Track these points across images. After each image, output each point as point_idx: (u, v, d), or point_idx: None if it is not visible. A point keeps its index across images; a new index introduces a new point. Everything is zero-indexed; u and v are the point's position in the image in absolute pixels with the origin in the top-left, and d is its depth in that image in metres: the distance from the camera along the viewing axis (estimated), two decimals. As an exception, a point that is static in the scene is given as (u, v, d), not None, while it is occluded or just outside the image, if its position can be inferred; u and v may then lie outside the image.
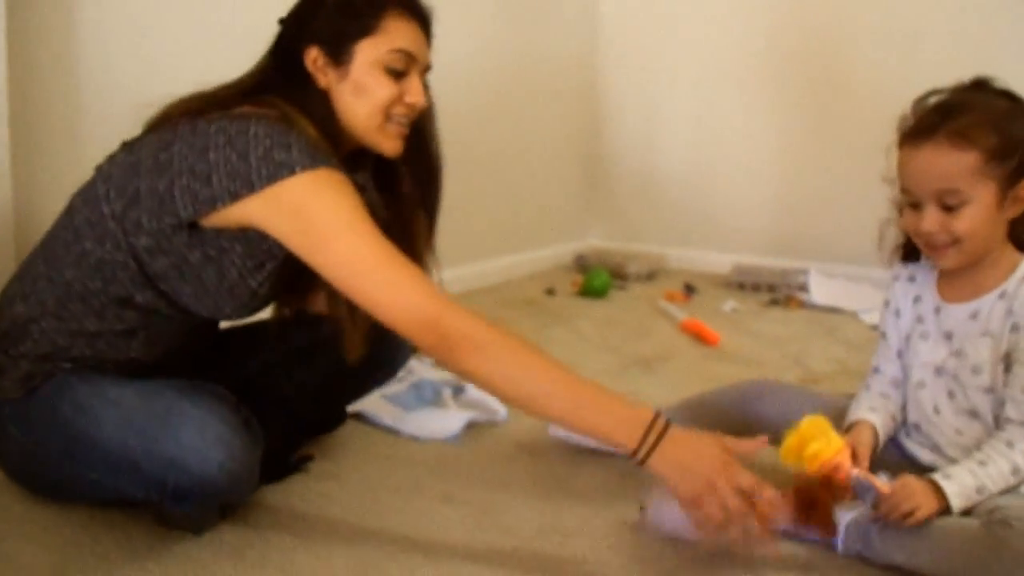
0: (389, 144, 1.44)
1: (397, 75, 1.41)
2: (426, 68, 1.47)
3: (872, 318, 2.95)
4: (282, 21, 1.45)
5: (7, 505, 1.42)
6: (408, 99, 1.42)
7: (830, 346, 2.65)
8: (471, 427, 1.86)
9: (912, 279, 1.51)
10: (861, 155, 3.43)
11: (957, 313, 1.42)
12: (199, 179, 1.28)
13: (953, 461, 1.38)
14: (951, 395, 1.42)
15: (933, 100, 1.39)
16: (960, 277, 1.42)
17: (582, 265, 3.65)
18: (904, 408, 1.51)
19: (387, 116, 1.41)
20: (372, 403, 1.91)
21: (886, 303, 1.55)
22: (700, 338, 2.67)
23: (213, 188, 1.27)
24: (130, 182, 1.33)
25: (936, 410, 1.44)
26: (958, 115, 1.33)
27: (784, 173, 3.64)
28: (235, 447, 1.27)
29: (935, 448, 1.44)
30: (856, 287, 3.26)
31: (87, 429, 1.30)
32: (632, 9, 3.86)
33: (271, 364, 1.66)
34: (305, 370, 1.66)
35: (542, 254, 3.70)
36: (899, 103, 3.43)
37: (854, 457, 1.38)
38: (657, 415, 1.25)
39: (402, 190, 1.53)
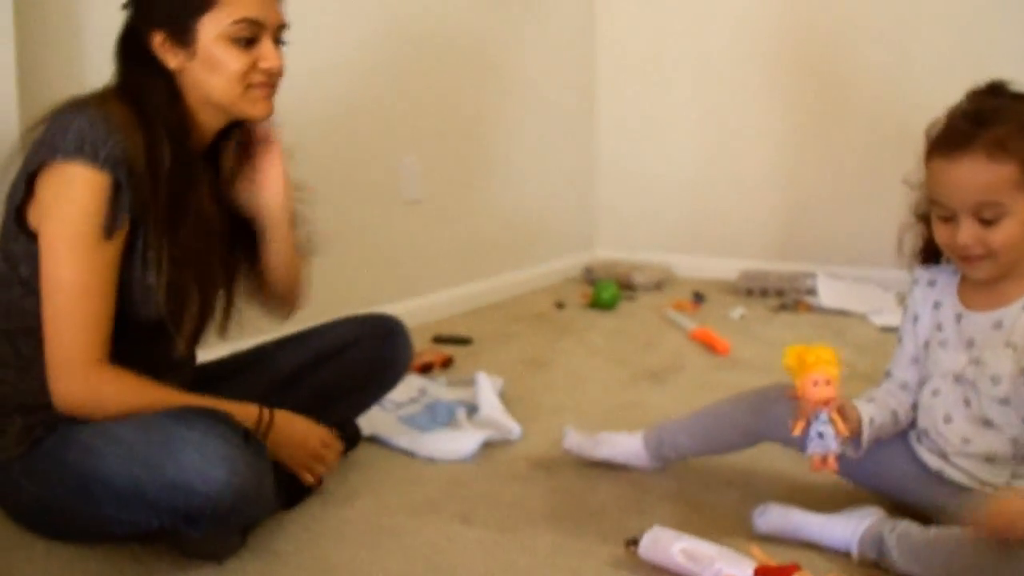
0: (256, 108, 1.43)
1: (247, 43, 1.39)
2: (280, 27, 1.44)
3: (881, 320, 2.97)
4: (124, 6, 1.43)
5: (30, 543, 1.44)
6: (263, 64, 1.40)
7: (839, 349, 2.64)
8: (486, 446, 1.88)
9: (932, 283, 1.48)
10: (864, 156, 3.47)
11: (980, 321, 1.40)
12: (15, 184, 1.34)
13: (959, 469, 1.39)
14: (967, 403, 1.40)
15: (966, 109, 1.34)
16: (984, 284, 1.39)
17: (590, 277, 3.67)
18: (914, 410, 1.49)
19: (246, 84, 1.40)
20: (387, 425, 1.93)
21: (905, 308, 1.52)
22: (710, 347, 2.68)
23: (24, 180, 1.33)
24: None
25: (947, 418, 1.42)
26: (992, 125, 1.29)
27: (788, 177, 3.65)
28: (237, 463, 1.28)
29: (942, 455, 1.44)
30: (864, 289, 3.27)
31: (95, 468, 1.31)
32: (630, 18, 3.88)
33: (278, 382, 1.68)
34: (310, 381, 1.69)
35: (550, 267, 3.72)
36: (901, 105, 3.49)
37: (840, 409, 1.36)
38: (262, 409, 1.45)
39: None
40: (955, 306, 1.43)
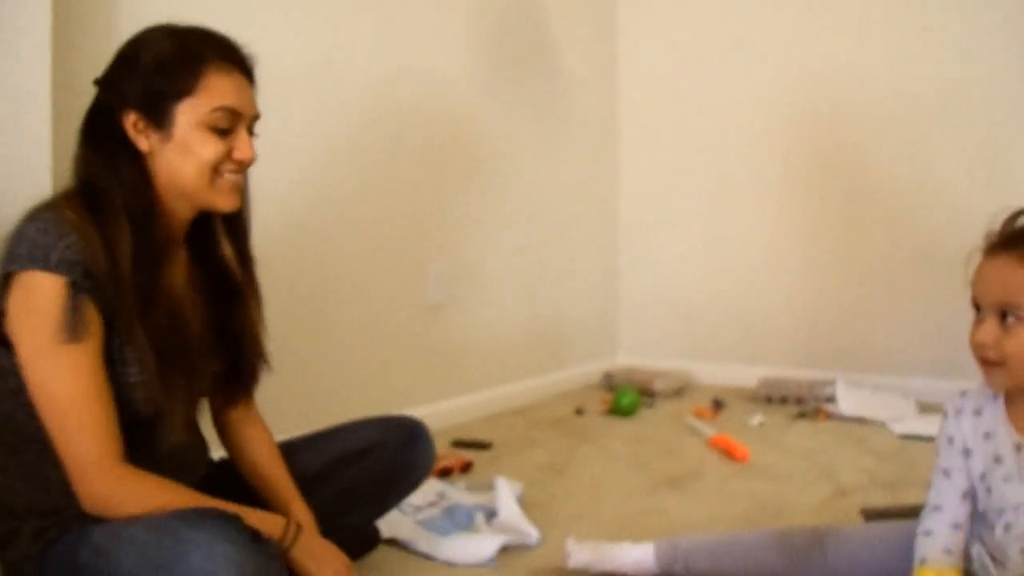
0: (223, 199, 1.41)
1: (223, 132, 1.38)
2: (254, 118, 1.44)
3: (901, 428, 2.96)
4: (97, 82, 1.40)
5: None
6: (236, 155, 1.39)
7: (860, 458, 2.66)
8: (504, 551, 1.88)
9: (979, 413, 1.42)
10: (883, 266, 3.52)
11: None
12: None
13: None
14: None
15: (1015, 218, 1.37)
16: None
17: (610, 384, 3.69)
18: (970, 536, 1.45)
19: (216, 173, 1.39)
20: (406, 529, 1.94)
21: (949, 439, 1.45)
22: (729, 454, 2.68)
23: None
24: None
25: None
26: None
27: (808, 285, 3.69)
28: (245, 565, 1.26)
29: None
30: (884, 397, 3.27)
31: (107, 569, 1.30)
32: (652, 128, 4.00)
33: (300, 482, 1.67)
34: (332, 482, 1.69)
35: (571, 373, 3.75)
36: (921, 218, 3.55)
37: None
38: (289, 520, 1.44)
39: (221, 252, 1.53)
40: (1011, 436, 1.38)
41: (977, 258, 1.37)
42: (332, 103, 2.61)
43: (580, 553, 1.75)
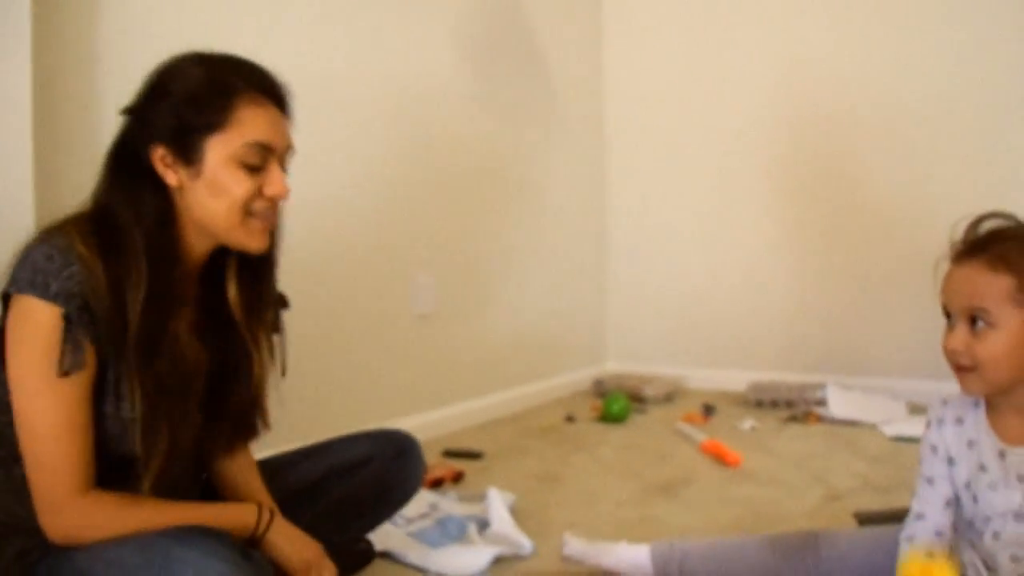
0: (253, 241, 1.36)
1: (255, 168, 1.33)
2: (287, 153, 1.39)
3: (892, 430, 2.96)
4: (125, 112, 1.34)
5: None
6: (268, 192, 1.34)
7: (851, 461, 2.66)
8: (497, 562, 1.87)
9: (961, 421, 1.43)
10: (872, 270, 3.53)
11: None
12: None
13: None
14: None
15: (989, 224, 1.37)
16: (1017, 415, 1.37)
17: (601, 390, 3.69)
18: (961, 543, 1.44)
19: (248, 212, 1.33)
20: (398, 541, 1.93)
21: (932, 447, 1.45)
22: (720, 459, 2.68)
23: None
24: None
25: (1014, 558, 1.37)
26: (1005, 240, 1.32)
27: (797, 289, 3.70)
28: None
29: None
30: (874, 399, 3.28)
31: None
32: (641, 134, 4.01)
33: (291, 497, 1.66)
34: (322, 497, 1.68)
35: (561, 381, 3.75)
36: (912, 221, 3.55)
37: None
38: (262, 506, 1.43)
39: (227, 294, 1.45)
40: (995, 444, 1.39)
41: (945, 266, 1.38)
42: (315, 112, 2.59)
43: (577, 544, 1.77)
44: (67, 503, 1.29)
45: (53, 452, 1.27)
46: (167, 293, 1.32)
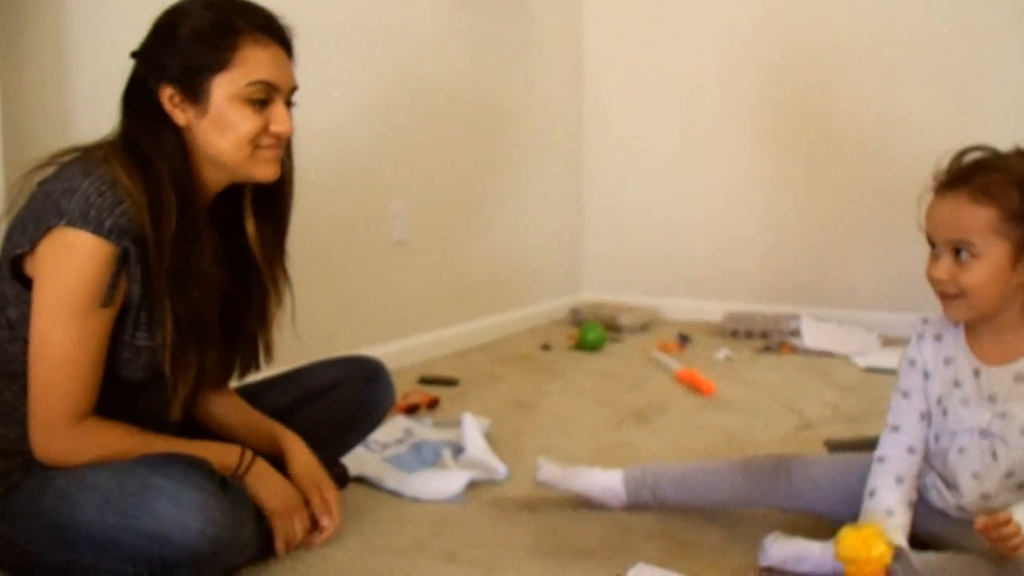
0: (262, 170, 1.41)
1: (260, 105, 1.37)
2: (291, 90, 1.43)
3: (865, 361, 2.99)
4: (134, 55, 1.39)
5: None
6: (273, 128, 1.39)
7: (824, 391, 2.69)
8: (472, 487, 1.88)
9: (939, 338, 1.47)
10: (848, 202, 3.53)
11: (1000, 375, 1.39)
12: (18, 230, 1.31)
13: (972, 513, 1.39)
14: (995, 456, 1.39)
15: (972, 156, 1.39)
16: (994, 336, 1.41)
17: (577, 319, 3.69)
18: (924, 464, 1.48)
19: (255, 146, 1.38)
20: (374, 466, 1.93)
21: (911, 361, 1.49)
22: (695, 388, 2.70)
23: (27, 233, 1.29)
24: None
25: (975, 475, 1.41)
26: (987, 172, 1.35)
27: (773, 220, 3.70)
28: (213, 511, 1.27)
29: (959, 508, 1.43)
30: (848, 330, 3.31)
31: (70, 515, 1.30)
32: (618, 64, 3.95)
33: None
34: (293, 423, 1.66)
35: (537, 310, 3.75)
36: (886, 153, 3.56)
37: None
38: (244, 450, 1.46)
39: (245, 229, 1.51)
40: (971, 361, 1.42)
41: (928, 197, 1.40)
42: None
43: (550, 469, 1.77)
44: (64, 427, 1.32)
45: (62, 377, 1.30)
46: (196, 222, 1.37)
